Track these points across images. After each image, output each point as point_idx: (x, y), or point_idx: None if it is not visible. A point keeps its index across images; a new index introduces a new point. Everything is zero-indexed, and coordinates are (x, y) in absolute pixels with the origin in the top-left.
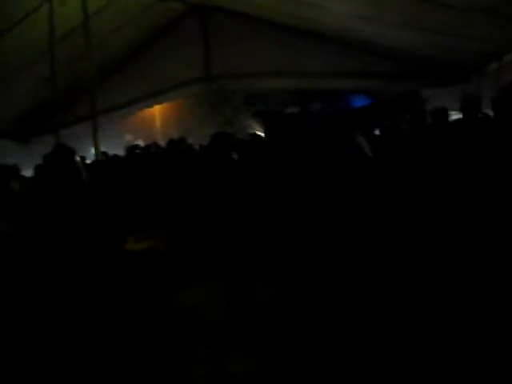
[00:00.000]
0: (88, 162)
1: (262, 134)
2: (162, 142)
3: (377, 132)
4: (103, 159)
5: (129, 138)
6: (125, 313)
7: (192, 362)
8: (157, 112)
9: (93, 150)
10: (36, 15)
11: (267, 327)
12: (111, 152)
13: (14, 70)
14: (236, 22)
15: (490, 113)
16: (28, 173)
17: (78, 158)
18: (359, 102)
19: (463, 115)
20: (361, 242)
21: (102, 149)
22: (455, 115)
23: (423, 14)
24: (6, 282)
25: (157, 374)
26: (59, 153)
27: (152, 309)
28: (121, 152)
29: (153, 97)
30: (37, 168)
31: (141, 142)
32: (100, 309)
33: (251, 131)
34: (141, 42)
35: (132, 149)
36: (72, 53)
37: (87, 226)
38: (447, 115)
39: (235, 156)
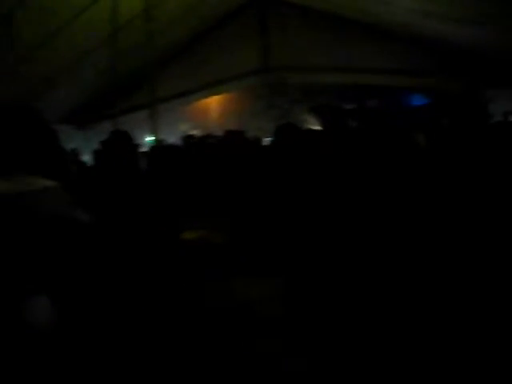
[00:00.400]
0: (144, 149)
1: (319, 129)
2: (218, 133)
3: (437, 131)
4: (160, 147)
5: (184, 127)
6: (180, 302)
7: (246, 356)
8: (212, 102)
9: (147, 138)
10: (98, 4)
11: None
12: (168, 140)
13: (76, 57)
14: (296, 14)
15: None
16: (86, 158)
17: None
18: (417, 100)
19: None
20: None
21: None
22: None
23: (493, 10)
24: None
25: (211, 366)
26: (116, 138)
27: (207, 299)
28: (175, 141)
29: (210, 87)
30: (94, 153)
31: (196, 132)
32: (156, 298)
33: (308, 126)
34: (200, 33)
35: (188, 138)
36: (132, 42)
37: (144, 213)
38: None
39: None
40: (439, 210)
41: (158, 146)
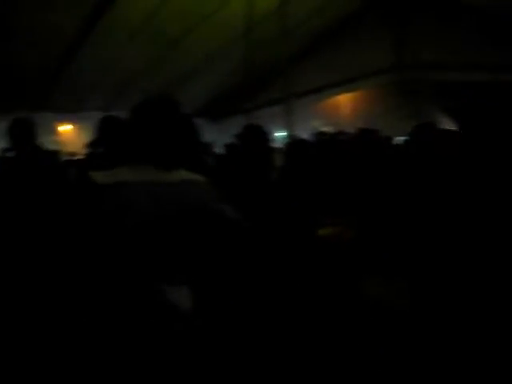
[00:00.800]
0: (276, 144)
1: (456, 130)
2: (349, 130)
3: None
4: (296, 143)
5: (316, 123)
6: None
7: (376, 359)
8: (343, 99)
9: (278, 133)
10: (233, 1)
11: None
12: (300, 136)
13: (212, 53)
14: (431, 10)
15: None
16: (219, 150)
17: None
18: None
19: None
20: None
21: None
22: None
23: None
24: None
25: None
26: (250, 133)
27: (338, 295)
28: (307, 137)
29: (343, 85)
30: (226, 147)
31: (328, 129)
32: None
33: (442, 127)
34: (333, 30)
35: (320, 135)
36: (267, 37)
37: (279, 209)
38: None
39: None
40: None
41: (294, 141)
